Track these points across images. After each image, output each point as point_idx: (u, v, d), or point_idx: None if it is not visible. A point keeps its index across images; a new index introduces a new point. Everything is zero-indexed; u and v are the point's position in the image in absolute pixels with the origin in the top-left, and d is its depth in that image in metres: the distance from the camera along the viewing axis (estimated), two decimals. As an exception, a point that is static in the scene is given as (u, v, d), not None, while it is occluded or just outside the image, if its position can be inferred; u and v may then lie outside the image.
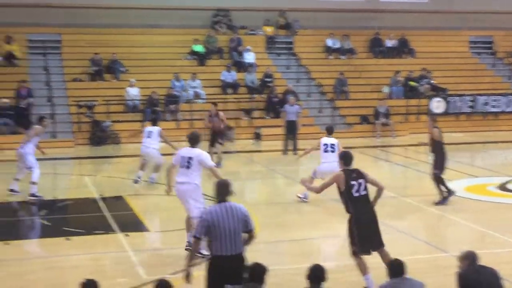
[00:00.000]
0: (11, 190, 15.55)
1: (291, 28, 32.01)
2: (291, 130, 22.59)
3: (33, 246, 12.33)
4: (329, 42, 31.45)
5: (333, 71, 29.77)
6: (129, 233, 12.43)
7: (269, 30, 31.66)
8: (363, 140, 25.92)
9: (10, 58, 27.16)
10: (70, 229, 12.70)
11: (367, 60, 31.51)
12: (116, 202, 15.14)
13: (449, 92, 29.21)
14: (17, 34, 27.78)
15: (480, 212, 14.48)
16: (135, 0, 29.80)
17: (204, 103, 27.11)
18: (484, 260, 7.59)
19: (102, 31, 29.18)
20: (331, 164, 14.08)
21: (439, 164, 14.61)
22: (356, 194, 9.29)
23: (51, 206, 15.10)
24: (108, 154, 22.52)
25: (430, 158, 15.38)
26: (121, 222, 13.69)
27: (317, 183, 12.18)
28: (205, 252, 10.62)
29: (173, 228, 12.72)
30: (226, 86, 28.02)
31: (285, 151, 22.48)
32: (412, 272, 7.81)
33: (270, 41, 31.39)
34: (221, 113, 18.26)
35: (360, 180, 9.39)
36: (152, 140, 16.87)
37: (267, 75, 28.54)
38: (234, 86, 28.10)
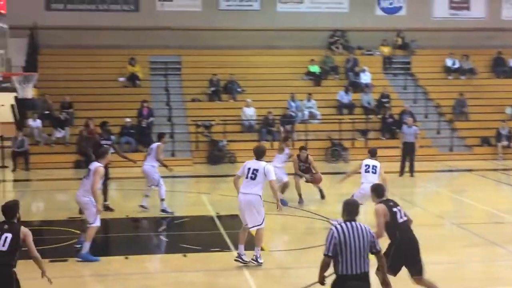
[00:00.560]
0: (141, 206, 16.01)
1: (408, 48, 31.53)
2: (409, 151, 22.14)
3: (151, 261, 12.64)
4: (449, 62, 30.73)
5: (452, 91, 29.03)
6: (245, 252, 12.52)
7: (386, 50, 31.33)
8: (483, 163, 25.08)
9: (133, 79, 28.24)
10: (187, 246, 12.95)
11: (489, 80, 30.52)
12: (232, 220, 15.30)
13: None
14: (140, 56, 28.88)
15: None
16: (252, 22, 30.31)
17: (319, 123, 27.13)
18: None
19: (220, 53, 29.81)
20: (370, 184, 13.54)
21: None
22: (401, 220, 9.18)
23: (169, 223, 15.48)
24: (224, 173, 22.85)
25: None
26: (236, 240, 13.85)
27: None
28: (260, 260, 11.37)
29: (289, 248, 12.74)
30: (341, 107, 27.91)
31: (401, 172, 22.06)
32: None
33: (387, 61, 31.04)
34: (310, 158, 17.54)
35: (399, 207, 9.29)
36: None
37: (384, 96, 28.19)
38: (350, 106, 27.94)
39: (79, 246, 12.20)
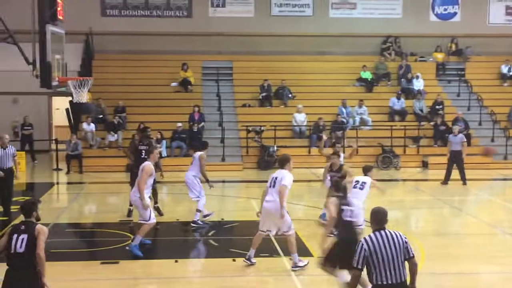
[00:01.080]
0: (204, 216, 15.78)
1: (462, 54, 31.08)
2: (456, 160, 21.76)
3: (200, 265, 12.72)
4: (504, 69, 30.19)
5: (508, 98, 28.54)
6: (292, 257, 12.51)
7: (439, 56, 30.96)
8: (539, 172, 24.58)
9: (185, 84, 28.53)
10: (236, 251, 13.00)
11: (545, 88, 29.90)
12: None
13: None
14: (192, 62, 29.16)
15: None
16: (305, 28, 30.33)
17: (371, 129, 26.96)
18: None
19: (271, 58, 29.89)
20: (354, 199, 13.17)
21: None
22: (347, 218, 9.73)
23: (218, 227, 15.56)
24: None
25: None
26: (286, 246, 13.84)
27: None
28: (300, 264, 11.70)
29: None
30: (393, 113, 27.68)
31: (445, 181, 21.64)
32: None
33: (441, 67, 30.66)
34: (347, 170, 16.16)
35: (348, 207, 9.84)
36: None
37: (437, 103, 27.84)
38: (402, 113, 27.68)
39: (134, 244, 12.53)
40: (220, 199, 19.84)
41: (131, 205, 14.99)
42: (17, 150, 24.74)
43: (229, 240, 14.67)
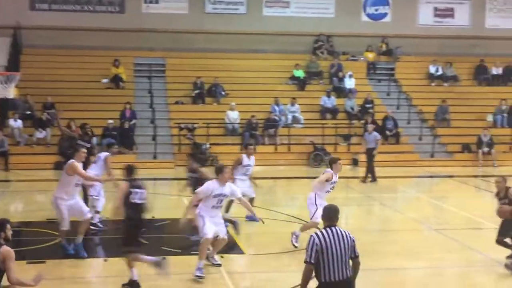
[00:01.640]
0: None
1: (393, 54, 31.68)
2: (368, 157, 22.35)
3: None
4: (432, 69, 30.92)
5: (435, 98, 29.22)
6: (224, 255, 12.51)
7: (370, 56, 31.46)
8: (464, 169, 25.24)
9: (117, 80, 28.16)
10: (167, 249, 12.92)
11: (471, 88, 30.77)
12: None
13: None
14: (124, 58, 28.80)
15: None
16: (238, 26, 30.35)
17: (302, 127, 27.20)
18: None
19: (205, 56, 29.82)
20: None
21: None
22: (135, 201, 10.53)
23: (149, 226, 15.40)
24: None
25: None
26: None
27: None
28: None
29: (269, 252, 12.75)
30: (325, 111, 27.99)
31: (365, 178, 22.15)
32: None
33: (371, 67, 31.17)
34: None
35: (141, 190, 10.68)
36: None
37: (368, 101, 28.30)
38: (333, 111, 28.03)
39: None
40: (152, 197, 19.62)
41: None
42: None
43: (160, 238, 14.55)
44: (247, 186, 15.67)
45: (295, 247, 12.62)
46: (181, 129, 25.72)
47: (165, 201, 19.55)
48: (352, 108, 28.18)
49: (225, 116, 26.76)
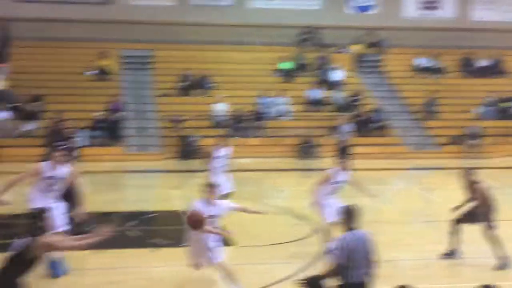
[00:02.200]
0: None
1: (380, 46, 31.74)
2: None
3: (120, 256, 12.55)
4: (419, 61, 31.01)
5: (423, 90, 29.30)
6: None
7: (357, 48, 31.50)
8: (452, 161, 25.36)
9: (103, 73, 28.05)
10: (157, 241, 12.92)
11: (458, 80, 30.88)
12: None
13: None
14: (111, 50, 28.68)
15: None
16: (225, 18, 30.29)
17: (291, 120, 27.23)
18: None
19: (192, 48, 29.75)
20: None
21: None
22: None
23: (138, 218, 15.41)
24: (194, 168, 22.82)
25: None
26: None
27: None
28: None
29: (260, 244, 12.80)
30: (312, 104, 28.03)
31: None
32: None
33: (359, 59, 31.22)
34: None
35: None
36: None
37: (355, 94, 28.36)
38: (321, 103, 28.07)
39: None
40: (140, 189, 19.68)
41: None
42: None
43: (149, 230, 14.56)
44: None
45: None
46: (168, 121, 25.65)
47: (153, 194, 19.58)
48: (340, 101, 28.22)
49: (212, 109, 26.71)
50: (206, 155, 15.87)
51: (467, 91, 29.89)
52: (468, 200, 12.16)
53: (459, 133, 27.09)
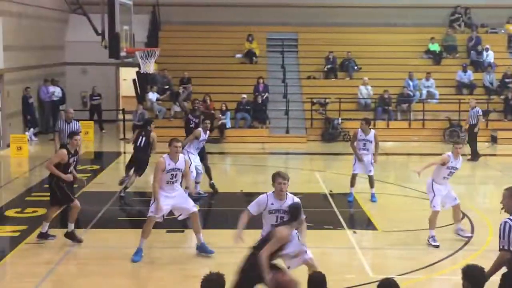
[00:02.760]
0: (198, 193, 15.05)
1: (536, 26, 30.12)
2: (469, 135, 21.39)
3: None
4: None
5: None
6: (357, 231, 12.50)
7: (511, 28, 30.04)
8: None
9: (250, 55, 28.53)
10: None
11: None
12: (345, 199, 15.27)
13: None
14: (257, 33, 29.10)
15: None
16: (374, 0, 29.89)
17: (437, 103, 26.48)
18: None
19: (337, 30, 29.60)
20: None
21: None
22: None
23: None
24: (338, 151, 22.77)
25: None
26: (349, 218, 13.87)
27: None
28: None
29: (403, 229, 12.59)
30: (461, 86, 27.09)
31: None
32: None
33: (512, 40, 29.80)
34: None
35: None
36: None
37: (507, 76, 27.10)
38: (470, 86, 27.07)
39: None
40: (284, 171, 19.86)
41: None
42: (86, 120, 25.47)
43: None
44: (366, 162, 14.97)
45: (436, 246, 11.56)
46: (313, 104, 25.71)
47: (297, 176, 19.69)
48: (491, 83, 27.09)
49: (357, 91, 26.49)
50: (350, 138, 15.68)
51: None
52: None
53: None
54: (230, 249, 11.57)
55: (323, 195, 15.77)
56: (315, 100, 25.75)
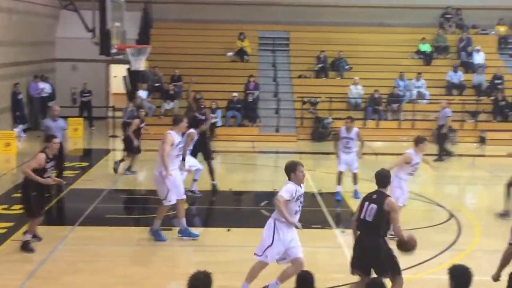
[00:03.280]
0: (191, 191, 15.02)
1: (526, 28, 30.25)
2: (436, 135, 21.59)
3: (252, 234, 12.75)
4: None
5: None
6: (345, 230, 12.51)
7: (502, 29, 30.16)
8: None
9: (241, 54, 28.52)
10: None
11: None
12: (334, 198, 15.29)
13: None
14: (249, 31, 29.09)
15: None
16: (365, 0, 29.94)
17: (428, 103, 26.55)
18: None
19: (328, 29, 29.63)
20: None
21: None
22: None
23: (271, 198, 15.59)
24: (328, 151, 22.73)
25: None
26: (338, 218, 13.89)
27: None
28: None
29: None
30: (451, 87, 27.18)
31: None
32: None
33: (503, 41, 29.88)
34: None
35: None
36: None
37: (497, 77, 27.20)
38: (460, 87, 27.16)
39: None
40: (273, 170, 19.91)
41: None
42: (76, 117, 25.40)
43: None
44: (350, 160, 15.26)
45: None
46: (303, 103, 25.74)
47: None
48: (481, 84, 27.18)
49: (348, 91, 26.53)
50: (335, 137, 15.76)
51: None
52: None
53: None
54: (218, 247, 11.61)
55: (312, 194, 15.77)
56: (305, 99, 25.78)
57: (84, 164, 19.69)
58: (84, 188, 16.01)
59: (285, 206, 8.87)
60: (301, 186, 9.09)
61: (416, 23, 29.90)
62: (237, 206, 15.47)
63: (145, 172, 18.97)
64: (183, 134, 12.71)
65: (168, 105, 25.72)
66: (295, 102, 26.42)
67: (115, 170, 17.65)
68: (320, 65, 27.90)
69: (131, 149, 17.77)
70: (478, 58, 28.41)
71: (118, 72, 29.50)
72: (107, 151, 22.90)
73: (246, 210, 15.11)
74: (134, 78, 26.42)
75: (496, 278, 7.41)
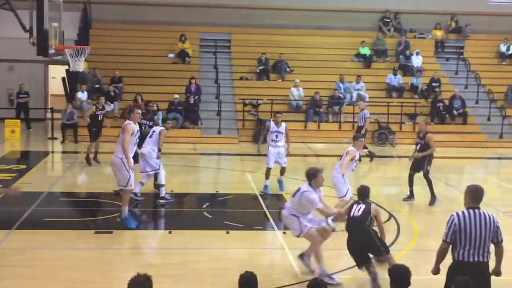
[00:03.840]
0: (134, 194, 14.59)
1: (462, 32, 30.96)
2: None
3: (194, 236, 12.72)
4: (503, 48, 30.11)
5: (505, 77, 28.47)
6: (286, 231, 12.55)
7: (439, 34, 30.83)
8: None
9: (183, 55, 28.40)
10: (230, 223, 13.03)
11: (543, 68, 29.82)
12: (276, 200, 15.37)
13: None
14: (190, 33, 28.98)
15: None
16: (303, 2, 30.11)
17: (367, 106, 26.87)
18: None
19: (270, 32, 29.75)
20: None
21: None
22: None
23: (213, 200, 15.59)
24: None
25: None
26: (279, 219, 13.92)
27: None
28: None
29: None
30: (391, 90, 27.64)
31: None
32: None
33: (440, 45, 30.55)
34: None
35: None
36: None
37: (434, 80, 27.79)
38: (399, 89, 27.65)
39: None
40: (215, 172, 19.88)
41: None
42: (13, 118, 24.85)
43: (223, 212, 14.71)
44: (277, 154, 15.92)
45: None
46: (245, 105, 25.79)
47: (228, 176, 19.72)
48: (418, 87, 27.72)
49: (289, 93, 26.69)
50: (264, 130, 16.67)
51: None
52: None
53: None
54: (159, 250, 11.53)
55: (253, 196, 15.81)
56: (247, 101, 25.84)
57: (22, 166, 19.29)
58: (22, 191, 15.65)
59: (323, 211, 10.10)
60: (320, 190, 10.08)
61: (356, 26, 30.27)
62: (178, 208, 15.38)
63: (84, 175, 18.73)
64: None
65: (108, 107, 25.35)
66: (237, 104, 26.45)
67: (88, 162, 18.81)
68: (261, 67, 28.00)
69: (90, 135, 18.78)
70: (416, 61, 28.96)
71: (57, 73, 29.00)
72: (45, 153, 22.49)
73: (188, 212, 15.04)
74: (73, 80, 26.02)
75: (435, 271, 7.61)
